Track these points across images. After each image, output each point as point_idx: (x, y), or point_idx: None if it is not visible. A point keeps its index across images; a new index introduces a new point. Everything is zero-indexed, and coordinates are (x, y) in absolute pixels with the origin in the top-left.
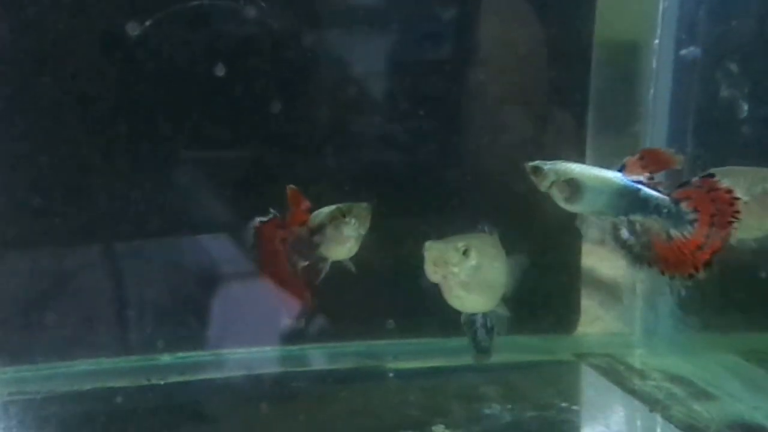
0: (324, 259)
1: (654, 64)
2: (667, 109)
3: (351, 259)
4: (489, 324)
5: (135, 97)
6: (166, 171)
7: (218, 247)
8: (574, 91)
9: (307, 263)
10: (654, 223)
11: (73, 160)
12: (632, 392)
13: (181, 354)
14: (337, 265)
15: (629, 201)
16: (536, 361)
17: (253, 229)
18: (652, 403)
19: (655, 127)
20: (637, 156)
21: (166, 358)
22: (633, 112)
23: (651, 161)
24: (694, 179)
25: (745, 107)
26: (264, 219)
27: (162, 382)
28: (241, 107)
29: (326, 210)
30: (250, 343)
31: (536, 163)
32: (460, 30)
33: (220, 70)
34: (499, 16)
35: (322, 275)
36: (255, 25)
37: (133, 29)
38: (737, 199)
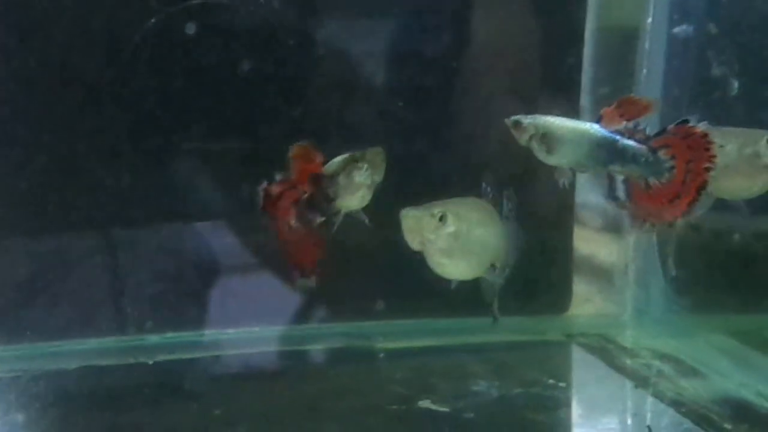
0: (337, 212)
1: (647, 45)
2: (660, 89)
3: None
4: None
5: (126, 87)
6: (159, 160)
7: (208, 231)
8: (566, 75)
9: (322, 219)
10: (633, 173)
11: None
12: (620, 370)
13: (169, 334)
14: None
15: (607, 151)
16: (527, 341)
17: (262, 191)
18: (639, 380)
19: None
20: (613, 105)
21: (154, 338)
22: (626, 93)
23: (627, 109)
24: (670, 126)
25: (736, 85)
26: (272, 182)
27: (150, 362)
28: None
29: (339, 158)
30: (239, 323)
31: (516, 117)
32: (449, 21)
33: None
34: (491, 5)
35: (335, 227)
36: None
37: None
38: (712, 143)
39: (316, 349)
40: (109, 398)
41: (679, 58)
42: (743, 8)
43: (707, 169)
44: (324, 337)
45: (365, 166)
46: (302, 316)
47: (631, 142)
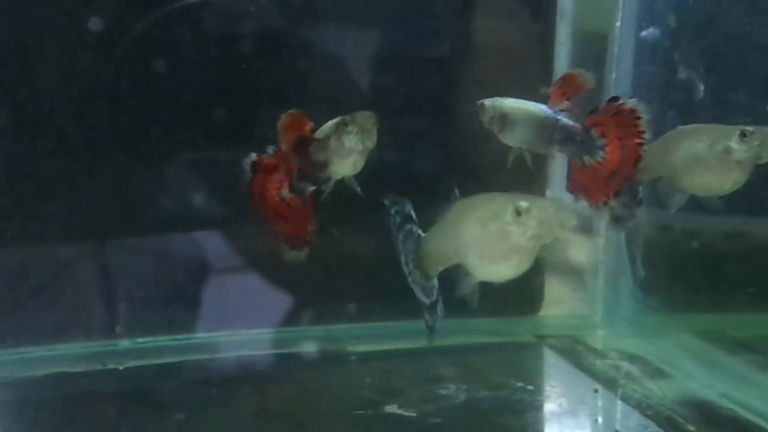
0: (328, 179)
1: (616, 49)
2: (629, 92)
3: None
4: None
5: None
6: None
7: (184, 237)
8: (538, 79)
9: (313, 188)
10: (570, 152)
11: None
12: (589, 372)
13: (139, 339)
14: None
15: (550, 131)
16: (497, 342)
17: (250, 164)
18: (607, 382)
19: None
20: (558, 83)
21: (124, 343)
22: (597, 96)
23: (568, 87)
24: (602, 105)
25: (702, 88)
26: (261, 155)
27: (121, 368)
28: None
29: (329, 123)
30: (210, 328)
31: (482, 100)
32: (427, 27)
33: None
34: (464, 12)
35: (326, 194)
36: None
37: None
38: (641, 119)
39: (288, 354)
40: (78, 405)
41: (647, 61)
42: (708, 12)
43: (639, 145)
44: (296, 341)
45: (355, 130)
46: (275, 320)
47: (567, 121)
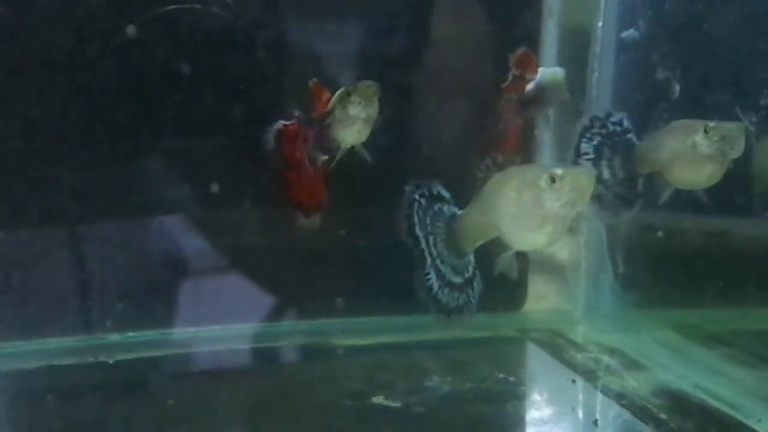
0: (337, 147)
1: (598, 48)
2: (610, 91)
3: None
4: None
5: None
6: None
7: (171, 228)
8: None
9: (326, 157)
10: None
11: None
12: (569, 364)
13: (130, 333)
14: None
15: None
16: (482, 337)
17: (276, 131)
18: (586, 374)
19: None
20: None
21: (114, 337)
22: (579, 95)
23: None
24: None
25: (678, 88)
26: (287, 122)
27: (111, 361)
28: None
29: (336, 94)
30: (200, 322)
31: None
32: (405, 23)
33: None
34: (447, 8)
35: (335, 161)
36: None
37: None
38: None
39: (277, 347)
40: (68, 397)
41: (627, 61)
42: (685, 14)
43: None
44: (284, 335)
45: (358, 99)
46: (264, 314)
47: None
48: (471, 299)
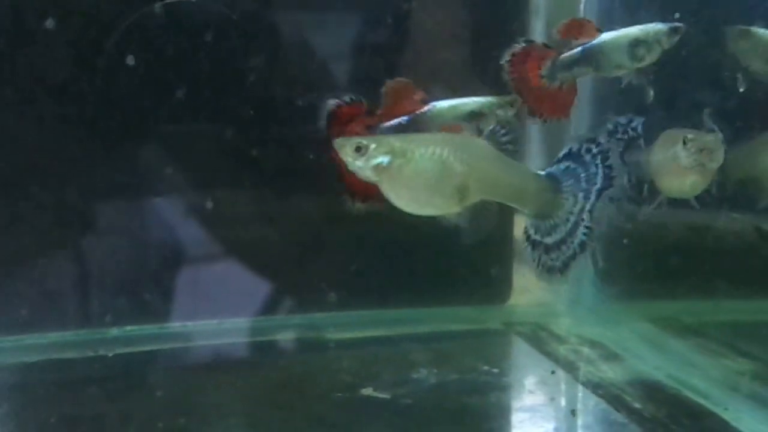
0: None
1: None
2: (590, 90)
3: None
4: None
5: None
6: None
7: (170, 223)
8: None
9: None
10: None
11: None
12: (551, 356)
13: (128, 327)
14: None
15: None
16: (468, 330)
17: (331, 110)
18: (567, 365)
19: (580, 113)
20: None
21: (114, 331)
22: None
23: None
24: None
25: (651, 93)
26: (342, 102)
27: (110, 354)
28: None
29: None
30: (197, 316)
31: None
32: (397, 17)
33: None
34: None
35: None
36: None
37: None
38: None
39: (271, 341)
40: (68, 389)
41: None
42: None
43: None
44: (279, 329)
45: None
46: (258, 309)
47: None
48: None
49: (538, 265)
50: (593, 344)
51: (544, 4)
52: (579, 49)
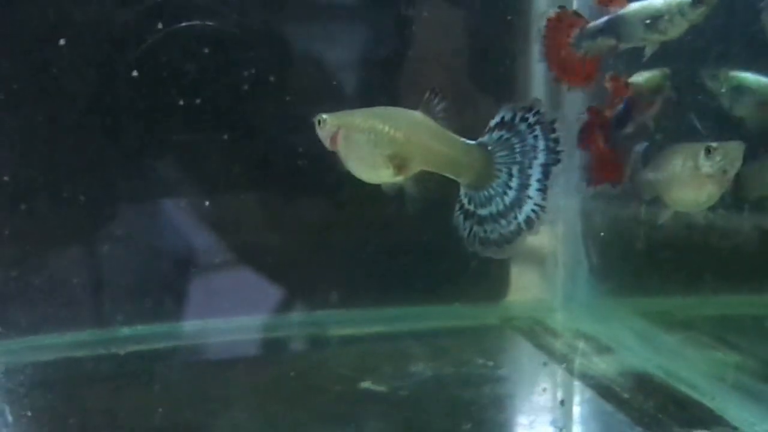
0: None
1: None
2: (585, 96)
3: None
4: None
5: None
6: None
7: (176, 225)
8: (498, 87)
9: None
10: None
11: None
12: (545, 349)
13: (139, 327)
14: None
15: None
16: (466, 326)
17: (546, 21)
18: (560, 358)
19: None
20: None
21: (125, 330)
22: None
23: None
24: None
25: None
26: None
27: (122, 352)
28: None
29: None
30: (204, 315)
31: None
32: (397, 28)
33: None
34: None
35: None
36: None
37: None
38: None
39: (276, 338)
40: (82, 386)
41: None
42: None
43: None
44: (282, 327)
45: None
46: (265, 307)
47: None
48: None
49: (468, 235)
50: (587, 338)
51: (546, 8)
52: (604, 19)
